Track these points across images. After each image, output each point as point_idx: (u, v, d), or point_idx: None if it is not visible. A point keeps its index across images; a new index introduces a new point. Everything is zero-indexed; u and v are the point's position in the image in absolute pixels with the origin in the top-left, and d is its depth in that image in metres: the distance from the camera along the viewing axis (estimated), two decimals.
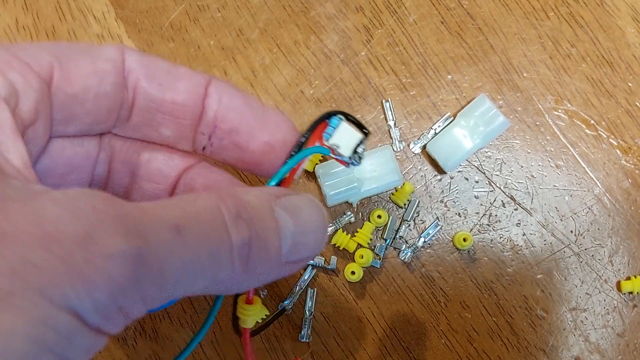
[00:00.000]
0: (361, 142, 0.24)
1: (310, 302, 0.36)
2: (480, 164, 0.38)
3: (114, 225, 0.16)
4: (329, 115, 0.24)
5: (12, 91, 0.19)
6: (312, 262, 0.36)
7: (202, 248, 0.18)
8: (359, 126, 0.24)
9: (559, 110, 0.38)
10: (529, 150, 0.38)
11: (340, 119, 0.24)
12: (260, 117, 0.24)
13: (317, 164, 0.37)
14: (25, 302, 0.14)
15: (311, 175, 0.38)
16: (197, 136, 0.24)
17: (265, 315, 0.36)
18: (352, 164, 0.24)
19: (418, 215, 0.37)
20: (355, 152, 0.24)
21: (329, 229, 0.37)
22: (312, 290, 0.36)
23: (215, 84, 0.24)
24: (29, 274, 0.14)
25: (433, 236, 0.37)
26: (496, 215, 0.37)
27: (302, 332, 0.36)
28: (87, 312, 0.15)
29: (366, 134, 0.24)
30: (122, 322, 0.17)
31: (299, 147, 0.23)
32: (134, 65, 0.23)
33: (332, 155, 0.24)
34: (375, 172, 0.36)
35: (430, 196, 0.37)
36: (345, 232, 0.37)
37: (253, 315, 0.25)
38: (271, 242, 0.20)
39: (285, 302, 0.36)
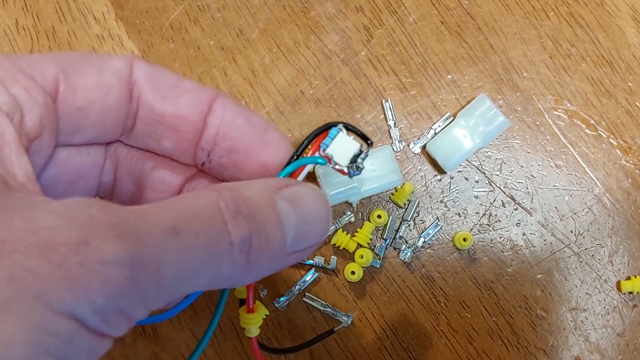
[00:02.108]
0: (360, 153, 0.24)
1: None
2: (480, 164, 0.38)
3: (110, 231, 0.16)
4: (329, 126, 0.24)
5: (15, 106, 0.19)
6: (311, 262, 0.36)
7: (201, 246, 0.18)
8: (363, 137, 0.24)
9: (559, 110, 0.38)
10: (529, 150, 0.38)
11: (340, 129, 0.24)
12: (261, 137, 0.24)
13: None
14: (23, 308, 0.14)
15: (311, 175, 0.38)
16: (198, 151, 0.24)
17: (266, 315, 0.36)
18: (351, 174, 0.24)
19: (418, 215, 0.37)
20: (353, 162, 0.24)
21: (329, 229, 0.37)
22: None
23: (221, 100, 0.24)
24: (27, 280, 0.15)
25: (433, 236, 0.37)
26: (496, 215, 0.37)
27: (282, 299, 0.36)
28: (87, 316, 0.15)
29: (369, 144, 0.25)
30: (126, 324, 0.17)
31: (298, 156, 0.24)
32: (140, 77, 0.23)
33: (329, 165, 0.24)
34: (375, 172, 0.36)
35: (430, 196, 0.37)
36: (345, 232, 0.37)
37: (256, 322, 0.25)
38: (273, 235, 0.20)
39: (282, 299, 0.36)
